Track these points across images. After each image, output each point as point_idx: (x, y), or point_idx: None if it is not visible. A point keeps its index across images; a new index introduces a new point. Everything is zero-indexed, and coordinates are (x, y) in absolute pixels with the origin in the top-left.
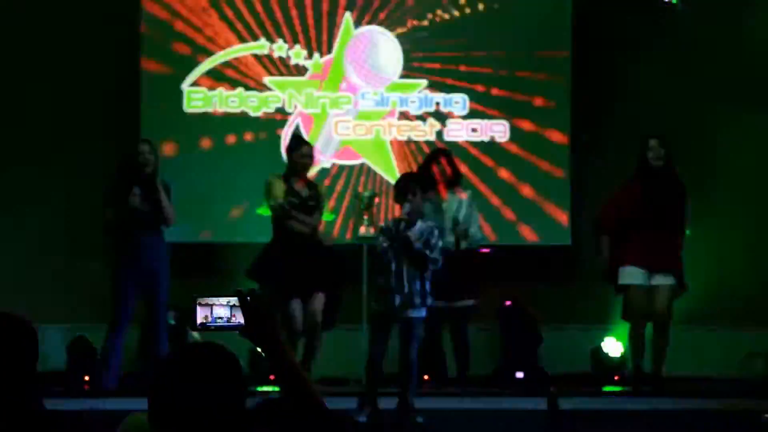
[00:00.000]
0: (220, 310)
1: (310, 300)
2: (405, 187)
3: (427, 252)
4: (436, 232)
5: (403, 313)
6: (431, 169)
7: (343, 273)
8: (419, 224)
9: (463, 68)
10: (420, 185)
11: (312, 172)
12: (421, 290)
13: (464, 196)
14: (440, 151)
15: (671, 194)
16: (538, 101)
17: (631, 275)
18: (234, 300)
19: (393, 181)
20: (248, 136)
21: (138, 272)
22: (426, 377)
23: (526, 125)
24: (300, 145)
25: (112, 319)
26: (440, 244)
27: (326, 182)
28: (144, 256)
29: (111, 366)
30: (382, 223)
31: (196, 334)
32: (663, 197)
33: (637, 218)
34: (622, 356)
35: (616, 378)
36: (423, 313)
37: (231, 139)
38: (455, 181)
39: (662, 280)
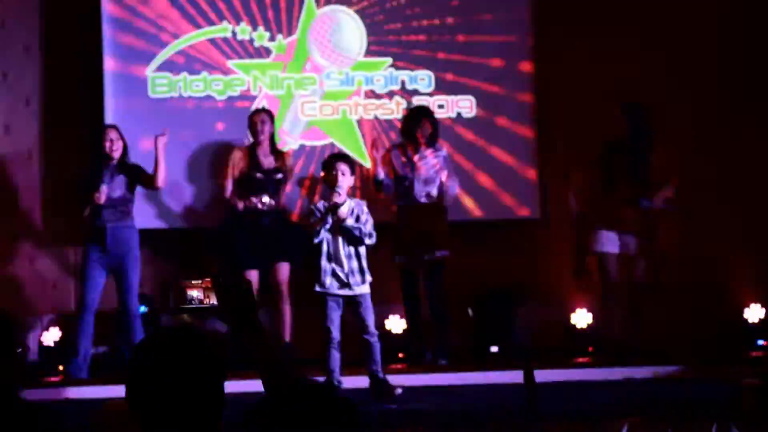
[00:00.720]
0: (193, 291)
1: (273, 271)
2: (332, 167)
3: (361, 228)
4: (364, 207)
5: (347, 292)
6: (415, 130)
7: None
8: (348, 201)
9: (425, 41)
10: (349, 163)
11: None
12: (359, 267)
13: (443, 151)
14: (421, 112)
15: (636, 161)
16: (499, 64)
17: (608, 242)
18: (207, 281)
19: (361, 160)
20: (214, 120)
21: (106, 259)
22: (401, 355)
23: (492, 91)
24: (254, 113)
25: (79, 306)
26: (371, 220)
27: (294, 162)
28: (113, 243)
29: (81, 354)
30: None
31: (186, 316)
32: (627, 164)
33: (605, 189)
34: (594, 327)
35: (589, 349)
36: (367, 288)
37: (198, 123)
38: (435, 137)
39: (639, 244)
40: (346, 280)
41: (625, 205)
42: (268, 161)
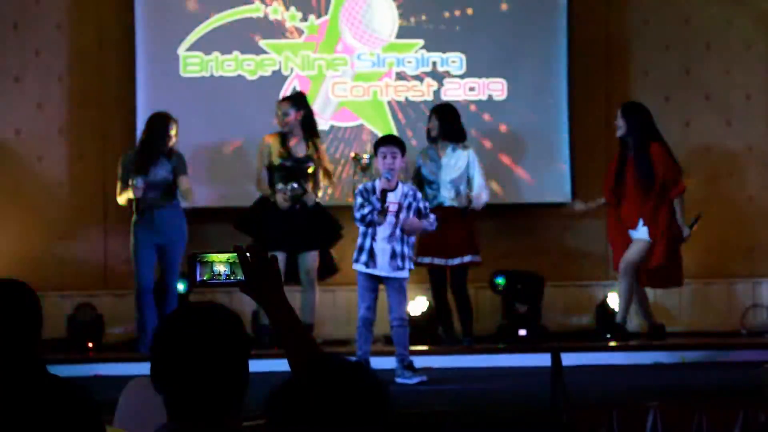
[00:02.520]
0: (220, 266)
1: (304, 258)
2: (384, 150)
3: (425, 221)
4: (418, 194)
5: (391, 274)
6: (453, 124)
7: (333, 229)
8: (401, 186)
9: (457, 23)
10: (400, 147)
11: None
12: (401, 253)
13: (468, 151)
14: (433, 109)
15: (635, 160)
16: (535, 55)
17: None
18: (234, 256)
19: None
20: (246, 100)
21: (155, 239)
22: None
23: (524, 80)
24: (277, 103)
25: (137, 286)
26: (425, 203)
27: (324, 144)
28: (160, 223)
29: (149, 330)
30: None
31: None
32: (630, 165)
33: (616, 185)
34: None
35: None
36: (407, 274)
37: (229, 103)
38: (454, 135)
39: (637, 235)
40: (384, 263)
41: (629, 203)
42: (298, 149)
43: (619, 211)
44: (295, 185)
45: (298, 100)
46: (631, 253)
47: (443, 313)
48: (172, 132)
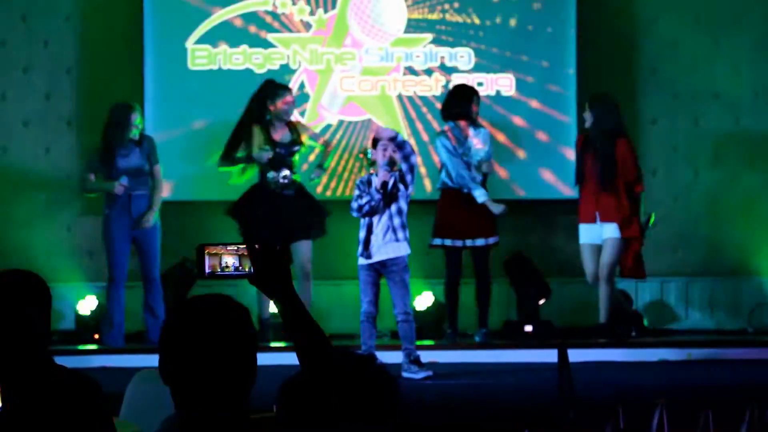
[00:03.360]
0: (228, 258)
1: (298, 248)
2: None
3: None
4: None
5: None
6: (467, 107)
7: (323, 218)
8: (390, 177)
9: (465, 18)
10: (398, 139)
11: (319, 129)
12: (401, 223)
13: (485, 131)
14: (473, 91)
15: (599, 156)
16: (543, 51)
17: (583, 234)
18: (243, 248)
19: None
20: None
21: (131, 231)
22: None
23: (533, 76)
24: (283, 92)
25: (110, 277)
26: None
27: (328, 137)
28: (136, 211)
29: (115, 323)
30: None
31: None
32: (592, 158)
33: (578, 179)
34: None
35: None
36: (405, 250)
37: (236, 96)
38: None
39: (605, 234)
40: (380, 244)
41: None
42: (281, 135)
43: (580, 201)
44: (287, 172)
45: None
46: (609, 256)
47: (453, 305)
48: (135, 121)
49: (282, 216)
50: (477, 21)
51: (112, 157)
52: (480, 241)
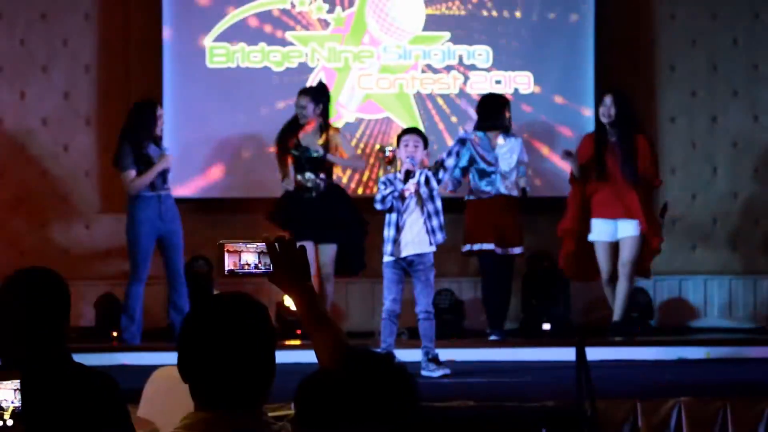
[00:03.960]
0: (248, 256)
1: (322, 250)
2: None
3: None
4: (429, 173)
5: (419, 264)
6: (505, 114)
7: (356, 223)
8: (419, 172)
9: (485, 17)
10: (423, 138)
11: (337, 126)
12: (439, 224)
13: (517, 139)
14: (506, 100)
15: (620, 150)
16: (562, 48)
17: (596, 231)
18: (262, 246)
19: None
20: (272, 91)
21: (156, 225)
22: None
23: (551, 76)
24: (297, 96)
25: (132, 274)
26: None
27: (348, 136)
28: (163, 210)
29: (136, 320)
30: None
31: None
32: (612, 153)
33: (590, 173)
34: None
35: (639, 328)
36: (434, 249)
37: (255, 94)
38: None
39: (624, 232)
40: (413, 242)
41: (609, 192)
42: (312, 139)
43: (595, 196)
44: (313, 176)
45: (318, 93)
46: (630, 254)
47: (505, 300)
48: (161, 115)
49: (312, 215)
50: (495, 16)
51: (143, 150)
52: (516, 249)
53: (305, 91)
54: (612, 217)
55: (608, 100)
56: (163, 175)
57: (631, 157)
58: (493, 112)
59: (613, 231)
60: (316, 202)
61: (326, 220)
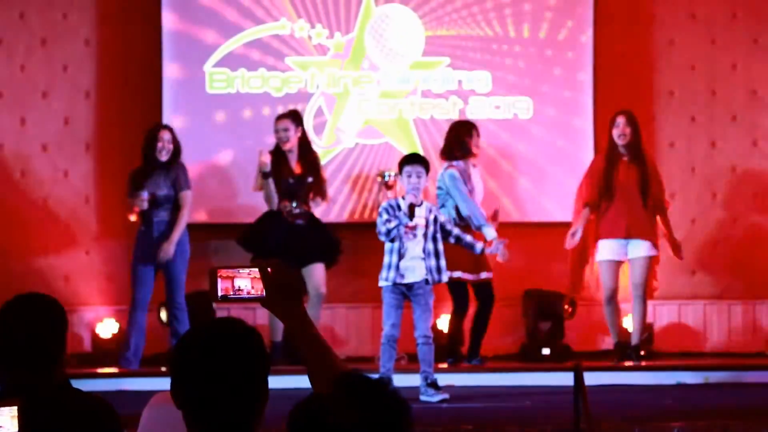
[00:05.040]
0: (241, 281)
1: (311, 271)
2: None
3: (452, 232)
4: (437, 209)
5: (419, 289)
6: (468, 141)
7: (336, 244)
8: (425, 204)
9: (485, 45)
10: (425, 166)
11: (336, 152)
12: (437, 266)
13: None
14: (473, 126)
15: (635, 170)
16: (561, 74)
17: (605, 251)
18: (255, 271)
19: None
20: (271, 117)
21: (153, 252)
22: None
23: (550, 101)
24: (276, 122)
25: (133, 300)
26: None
27: (349, 161)
28: (161, 239)
29: (132, 346)
30: (384, 202)
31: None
32: (626, 173)
33: (603, 193)
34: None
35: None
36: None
37: (254, 120)
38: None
39: (636, 252)
40: (406, 277)
41: (621, 212)
42: (296, 166)
43: (606, 215)
44: (293, 204)
45: (297, 116)
46: (642, 276)
47: (460, 333)
48: (164, 137)
49: (293, 242)
50: (495, 47)
51: (141, 180)
52: (491, 274)
53: (285, 116)
54: (623, 237)
55: (621, 120)
56: (162, 201)
57: (646, 177)
58: (464, 138)
59: (622, 250)
60: (301, 228)
61: (311, 242)
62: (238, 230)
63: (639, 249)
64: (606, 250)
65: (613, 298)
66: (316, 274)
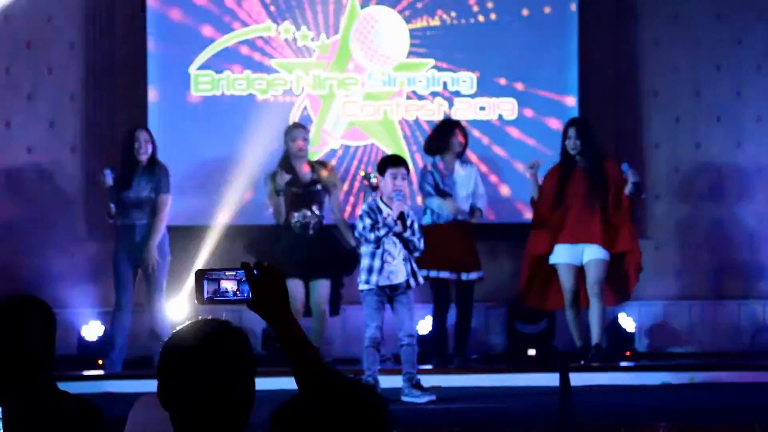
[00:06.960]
0: (227, 283)
1: (315, 287)
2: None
3: (415, 242)
4: (413, 213)
5: (401, 290)
6: (448, 139)
7: (348, 259)
8: (405, 207)
9: (467, 42)
10: (407, 168)
11: (320, 153)
12: (412, 270)
13: (472, 167)
14: (455, 123)
15: (589, 178)
16: (546, 75)
17: (560, 254)
18: (241, 273)
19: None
20: (257, 119)
21: (135, 256)
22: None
23: (534, 101)
24: (291, 129)
25: (116, 302)
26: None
27: (334, 162)
28: (142, 241)
29: (116, 347)
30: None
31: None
32: (580, 181)
33: (557, 203)
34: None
35: (627, 354)
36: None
37: (240, 122)
38: (464, 151)
39: (589, 255)
40: (392, 279)
41: (573, 217)
42: (306, 175)
43: (560, 222)
44: (308, 213)
45: (305, 126)
46: (596, 275)
47: (442, 333)
48: (141, 139)
49: (303, 251)
50: (479, 46)
51: (120, 184)
52: (473, 275)
53: (299, 124)
54: (577, 242)
55: (572, 132)
56: (143, 204)
57: (601, 183)
58: (442, 134)
59: (578, 255)
60: (310, 240)
61: (321, 256)
62: (222, 233)
63: (592, 252)
64: (561, 253)
65: (574, 302)
66: (319, 290)
